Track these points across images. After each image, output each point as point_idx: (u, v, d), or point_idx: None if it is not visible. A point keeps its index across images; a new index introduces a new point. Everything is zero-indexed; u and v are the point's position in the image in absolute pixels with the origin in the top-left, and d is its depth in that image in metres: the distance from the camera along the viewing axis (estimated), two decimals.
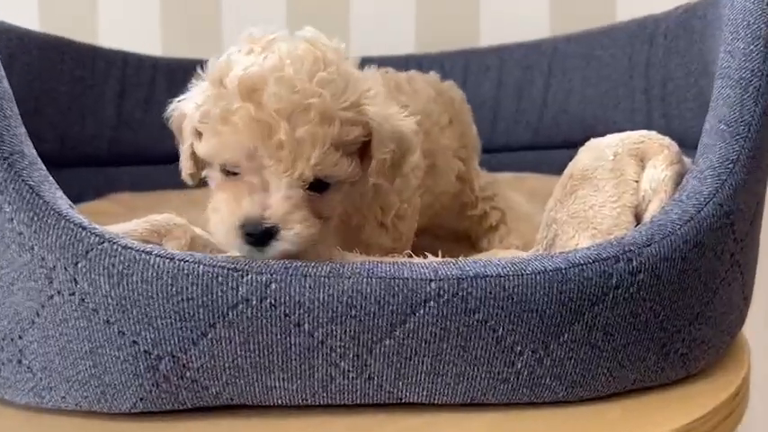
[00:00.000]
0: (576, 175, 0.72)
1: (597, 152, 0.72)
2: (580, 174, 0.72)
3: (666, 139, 0.71)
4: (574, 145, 1.17)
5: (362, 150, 0.65)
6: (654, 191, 0.67)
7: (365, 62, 1.23)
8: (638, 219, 0.68)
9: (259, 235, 0.58)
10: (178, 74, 1.19)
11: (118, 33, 1.31)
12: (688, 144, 0.92)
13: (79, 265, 0.56)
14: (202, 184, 0.69)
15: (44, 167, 0.61)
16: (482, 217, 0.95)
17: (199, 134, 0.62)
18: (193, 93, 0.66)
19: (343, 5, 1.33)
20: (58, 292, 0.57)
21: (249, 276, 0.56)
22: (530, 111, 1.19)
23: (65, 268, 0.57)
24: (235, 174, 0.60)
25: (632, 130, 1.03)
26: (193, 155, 0.64)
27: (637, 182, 0.69)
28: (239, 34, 1.36)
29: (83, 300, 0.57)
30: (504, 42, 1.25)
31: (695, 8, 0.93)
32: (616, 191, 0.68)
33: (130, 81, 1.14)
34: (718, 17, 0.82)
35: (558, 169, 1.19)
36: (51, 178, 0.61)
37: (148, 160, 1.17)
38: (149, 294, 0.56)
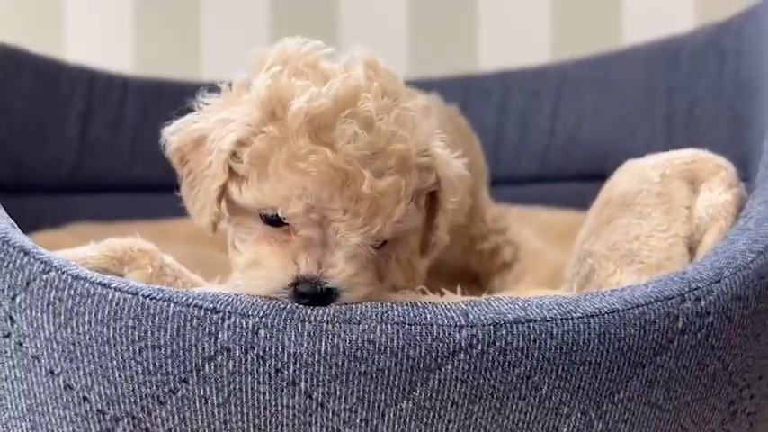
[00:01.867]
0: (615, 201, 0.63)
1: (640, 174, 0.63)
2: (620, 199, 0.63)
3: (721, 159, 0.62)
4: (586, 177, 1.11)
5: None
6: (711, 218, 0.58)
7: None
8: (691, 252, 0.58)
9: (316, 297, 0.48)
10: (150, 94, 1.12)
11: (86, 47, 1.23)
12: None
13: (17, 300, 0.46)
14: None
15: None
16: (494, 252, 0.84)
17: (234, 174, 0.51)
18: (214, 115, 0.53)
19: (331, 26, 1.25)
20: None
21: (232, 320, 0.45)
22: (536, 140, 1.12)
23: None
24: (280, 223, 0.50)
25: None
26: (222, 198, 0.52)
27: (689, 208, 0.59)
28: (219, 54, 1.28)
29: (20, 343, 0.46)
30: (505, 66, 1.18)
31: (728, 25, 0.87)
32: (665, 218, 0.59)
33: (97, 100, 1.06)
34: (759, 32, 0.76)
35: (567, 203, 1.12)
36: None
37: (114, 188, 1.09)
38: (105, 339, 0.45)
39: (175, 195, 1.08)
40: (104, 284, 0.45)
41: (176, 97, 1.09)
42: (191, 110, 0.56)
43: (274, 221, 0.50)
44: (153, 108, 1.10)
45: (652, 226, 0.59)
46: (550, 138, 1.10)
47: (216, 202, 0.51)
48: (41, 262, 0.46)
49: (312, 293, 0.48)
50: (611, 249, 0.60)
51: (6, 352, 0.45)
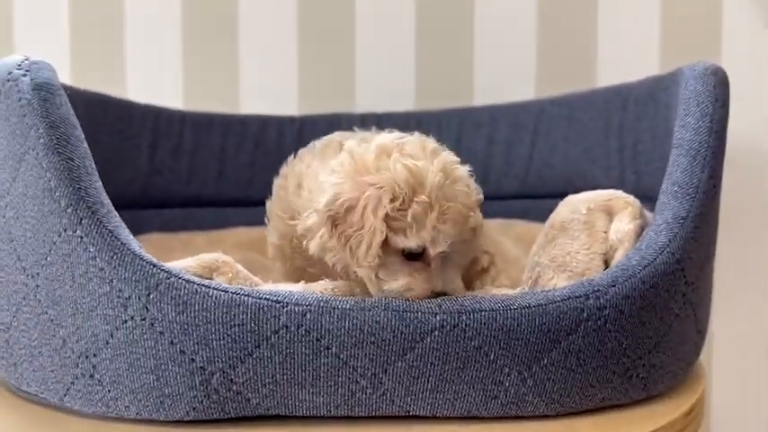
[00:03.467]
0: (556, 226, 0.86)
1: (573, 206, 0.86)
2: (559, 224, 0.86)
3: (631, 198, 0.85)
4: (557, 195, 1.30)
5: None
6: (619, 241, 0.81)
7: (370, 118, 1.38)
8: (606, 264, 0.82)
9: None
10: (203, 126, 1.31)
11: (144, 87, 1.44)
12: (654, 197, 1.05)
13: (151, 296, 0.69)
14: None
15: (118, 215, 0.74)
16: (474, 261, 1.07)
17: (390, 228, 0.73)
18: (351, 191, 0.74)
19: (349, 68, 1.46)
20: (132, 318, 0.70)
21: (288, 307, 0.69)
22: (517, 164, 1.30)
23: (138, 298, 0.70)
24: (415, 257, 0.75)
25: (608, 184, 1.18)
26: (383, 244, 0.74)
27: (606, 233, 0.82)
28: (254, 90, 1.46)
29: (152, 324, 0.69)
30: (495, 101, 1.38)
31: (662, 80, 1.06)
32: (588, 240, 0.82)
33: (161, 133, 1.26)
34: (677, 93, 0.96)
35: (542, 217, 1.31)
36: (124, 224, 0.74)
37: (175, 203, 1.29)
38: (207, 320, 0.69)
39: (223, 210, 1.31)
40: (206, 285, 0.70)
41: (223, 127, 1.34)
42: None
43: (413, 257, 0.75)
44: (204, 136, 1.30)
45: (579, 245, 0.82)
46: (529, 163, 1.29)
47: (379, 248, 0.73)
48: (164, 271, 0.70)
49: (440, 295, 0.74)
50: (551, 261, 0.83)
51: (143, 330, 0.70)
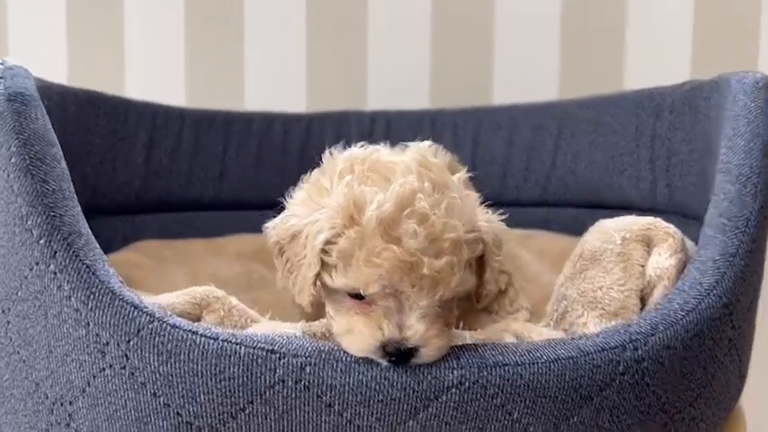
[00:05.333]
0: (586, 256, 0.77)
1: (606, 235, 0.77)
2: (590, 254, 0.77)
3: (671, 227, 0.76)
4: (581, 205, 1.24)
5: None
6: (658, 277, 0.73)
7: (380, 117, 1.30)
8: (642, 302, 0.73)
9: (401, 355, 0.62)
10: (203, 124, 1.24)
11: (144, 84, 1.37)
12: (689, 215, 0.98)
13: (131, 343, 0.62)
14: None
15: (98, 245, 0.66)
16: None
17: (325, 263, 0.65)
18: (303, 216, 0.67)
19: (360, 63, 1.38)
20: (110, 366, 0.62)
21: (286, 359, 0.61)
22: (539, 170, 1.22)
23: (117, 345, 0.62)
24: (363, 297, 0.64)
25: (637, 196, 1.10)
26: (316, 282, 0.66)
27: (643, 266, 0.74)
28: (259, 86, 1.39)
29: (132, 374, 0.62)
30: (515, 101, 1.29)
31: (701, 88, 0.96)
32: (623, 274, 0.74)
33: (159, 132, 1.18)
34: (721, 105, 0.87)
35: (564, 227, 1.24)
36: (105, 256, 0.66)
37: (174, 207, 1.22)
38: (195, 372, 0.61)
39: (223, 213, 1.24)
40: (193, 332, 0.62)
41: (225, 124, 1.26)
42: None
43: (359, 296, 0.64)
44: (205, 135, 1.24)
45: (612, 280, 0.74)
46: (551, 170, 1.21)
47: (312, 286, 0.66)
48: (147, 314, 0.62)
49: (397, 353, 0.61)
50: (580, 295, 0.75)
51: (122, 379, 0.62)
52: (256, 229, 1.22)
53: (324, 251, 0.64)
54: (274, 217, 0.72)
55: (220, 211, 1.25)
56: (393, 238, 0.61)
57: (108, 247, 1.10)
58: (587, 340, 0.65)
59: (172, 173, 1.21)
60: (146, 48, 1.38)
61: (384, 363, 0.62)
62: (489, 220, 0.70)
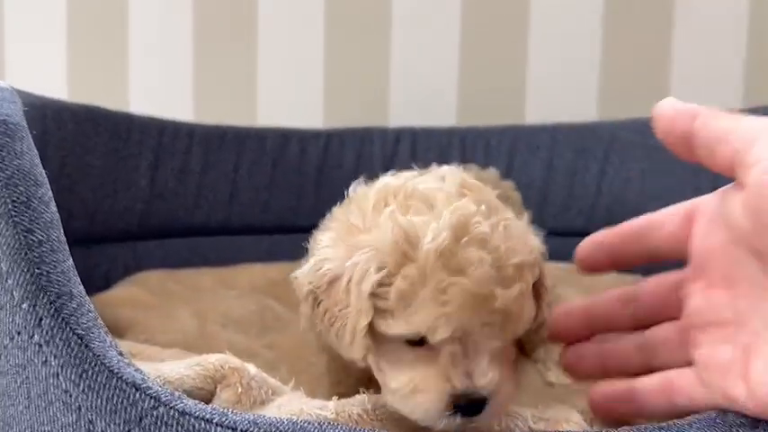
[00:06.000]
0: None
1: None
2: None
3: None
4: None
5: None
6: None
7: (406, 134, 1.20)
8: None
9: (475, 406, 0.52)
10: (214, 141, 1.15)
11: (149, 98, 1.27)
12: None
13: None
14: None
15: (92, 308, 0.55)
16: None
17: (377, 309, 0.55)
18: (339, 259, 0.57)
19: (383, 75, 1.28)
20: None
21: None
22: (583, 197, 1.13)
23: None
24: (423, 343, 0.54)
25: None
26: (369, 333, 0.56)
27: None
28: (273, 101, 1.30)
29: None
30: (551, 120, 1.20)
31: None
32: None
33: (165, 150, 1.09)
34: None
35: None
36: (100, 321, 0.55)
37: (179, 233, 1.13)
38: None
39: (233, 238, 1.14)
40: (207, 420, 0.50)
41: (237, 142, 1.16)
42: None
43: (418, 343, 0.54)
44: (215, 154, 1.14)
45: None
46: (597, 197, 1.12)
47: (365, 337, 0.55)
48: (151, 398, 0.51)
49: (469, 407, 0.52)
50: None
51: None
52: (269, 255, 1.14)
53: (374, 295, 0.54)
54: (288, 245, 0.62)
55: (230, 236, 1.15)
56: (456, 270, 0.52)
57: (107, 278, 1.02)
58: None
59: (178, 195, 1.11)
60: (151, 58, 1.28)
61: (457, 420, 0.52)
62: (530, 235, 0.60)
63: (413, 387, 0.53)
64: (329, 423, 0.52)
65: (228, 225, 1.16)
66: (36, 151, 0.61)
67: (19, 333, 0.54)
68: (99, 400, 0.51)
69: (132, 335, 0.82)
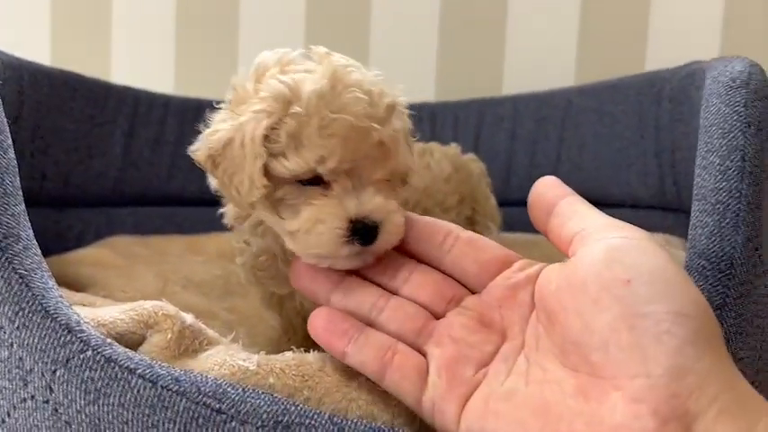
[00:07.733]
0: None
1: None
2: None
3: None
4: (590, 202, 1.15)
5: None
6: None
7: None
8: None
9: (370, 232, 0.59)
10: (189, 113, 1.17)
11: (131, 69, 1.30)
12: None
13: (57, 374, 0.54)
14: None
15: (39, 252, 0.59)
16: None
17: (270, 153, 0.60)
18: (229, 121, 0.63)
19: (362, 46, 1.31)
20: (32, 397, 0.55)
21: (232, 424, 0.52)
22: (544, 165, 1.15)
23: (42, 374, 0.55)
24: (316, 183, 0.60)
25: (646, 192, 1.01)
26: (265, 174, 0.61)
27: None
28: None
29: (56, 410, 0.54)
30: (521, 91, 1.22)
31: (694, 75, 0.81)
32: None
33: (140, 120, 1.12)
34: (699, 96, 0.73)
35: None
36: (45, 264, 0.58)
37: (152, 201, 1.16)
38: (124, 419, 0.53)
39: (207, 209, 1.18)
40: (131, 370, 0.53)
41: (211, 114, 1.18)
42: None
43: (313, 182, 0.60)
44: (191, 125, 1.16)
45: None
46: (557, 165, 1.14)
47: (262, 177, 0.60)
48: (81, 341, 0.54)
49: (364, 229, 0.58)
50: None
51: (45, 414, 0.55)
52: None
53: (267, 139, 0.60)
54: None
55: (204, 206, 1.18)
56: (337, 109, 0.60)
57: (79, 242, 1.06)
58: None
59: (152, 165, 1.14)
60: (133, 30, 1.31)
61: (356, 247, 0.59)
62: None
63: (314, 220, 0.59)
64: (252, 390, 0.55)
65: (203, 195, 1.18)
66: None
67: None
68: (31, 338, 0.55)
69: (92, 291, 0.83)
